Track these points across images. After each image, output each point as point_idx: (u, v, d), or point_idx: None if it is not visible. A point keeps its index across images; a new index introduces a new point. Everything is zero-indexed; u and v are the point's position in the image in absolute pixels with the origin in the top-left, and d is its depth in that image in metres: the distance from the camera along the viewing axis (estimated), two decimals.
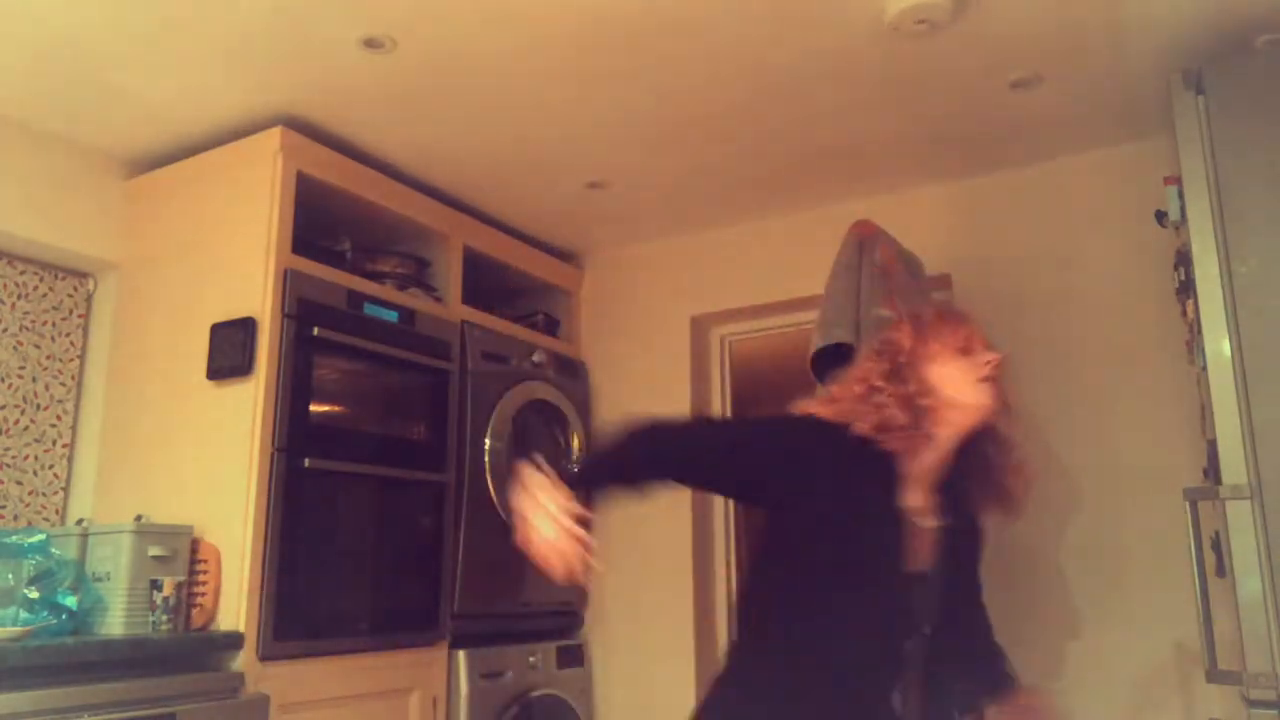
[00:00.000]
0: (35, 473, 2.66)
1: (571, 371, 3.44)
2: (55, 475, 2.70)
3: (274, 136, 2.54)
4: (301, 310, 2.48)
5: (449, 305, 3.00)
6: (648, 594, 3.29)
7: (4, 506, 2.57)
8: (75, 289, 2.82)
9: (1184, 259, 2.09)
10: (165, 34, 2.20)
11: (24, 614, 2.10)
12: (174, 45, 2.25)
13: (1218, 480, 1.82)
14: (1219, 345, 1.84)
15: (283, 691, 2.28)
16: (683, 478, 1.59)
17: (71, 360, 2.78)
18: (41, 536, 2.20)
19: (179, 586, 2.25)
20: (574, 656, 3.19)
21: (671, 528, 3.30)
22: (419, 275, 2.95)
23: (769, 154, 2.84)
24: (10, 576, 2.12)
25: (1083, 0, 2.09)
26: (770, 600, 1.56)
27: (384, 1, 2.08)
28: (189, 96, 2.49)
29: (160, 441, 2.55)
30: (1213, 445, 1.87)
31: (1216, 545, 2.03)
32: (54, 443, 2.71)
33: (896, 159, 2.88)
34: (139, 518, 2.35)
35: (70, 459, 2.74)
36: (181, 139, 2.71)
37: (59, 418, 2.73)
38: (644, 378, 3.47)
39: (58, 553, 2.22)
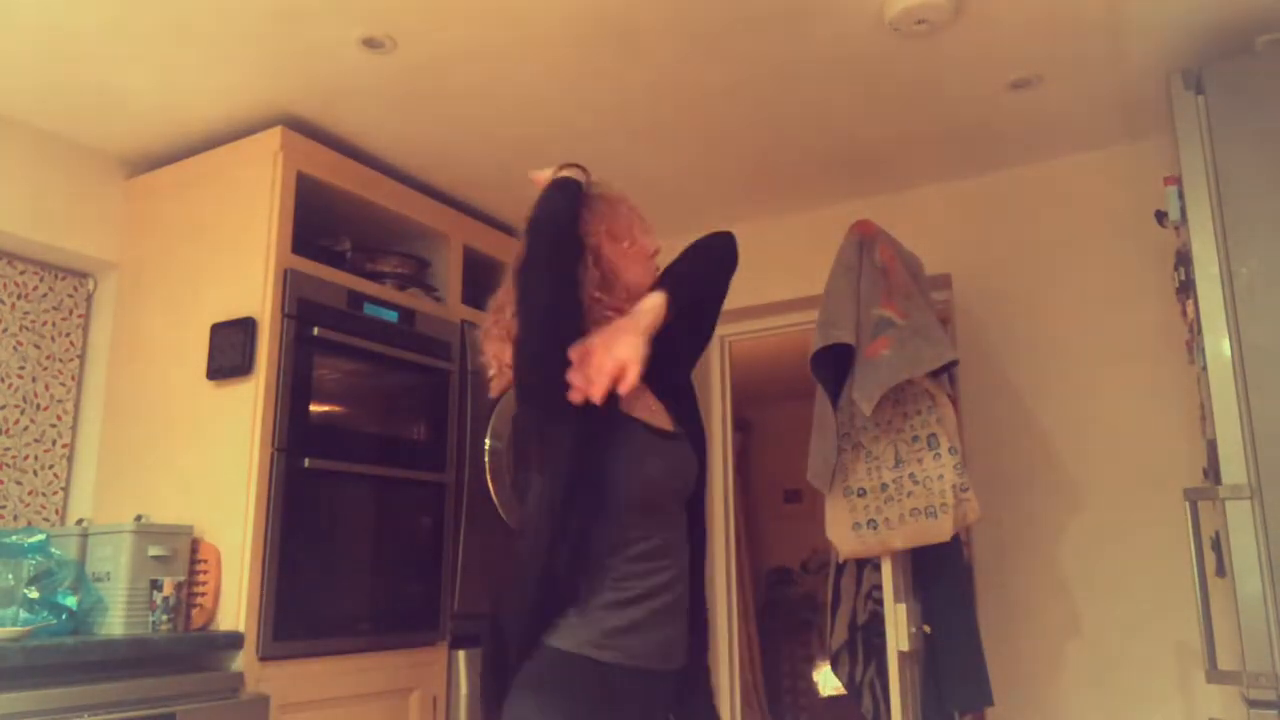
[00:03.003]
0: (35, 473, 2.66)
1: None
2: (55, 475, 2.70)
3: (274, 136, 2.54)
4: (301, 310, 2.48)
5: (449, 305, 3.00)
6: None
7: (4, 506, 2.57)
8: (75, 289, 2.82)
9: (1184, 259, 2.10)
10: (165, 34, 2.20)
11: (24, 614, 2.10)
12: (174, 45, 2.25)
13: (1218, 480, 1.82)
14: (1219, 345, 1.84)
15: (283, 691, 2.28)
16: None
17: (71, 360, 2.78)
18: (41, 536, 2.20)
19: (179, 586, 2.25)
20: None
21: None
22: (419, 275, 2.95)
23: (769, 154, 2.84)
24: (10, 576, 2.12)
25: (1083, 0, 2.09)
26: None
27: (384, 1, 2.08)
28: (189, 96, 2.49)
29: (160, 441, 2.55)
30: (1213, 445, 1.87)
31: (1216, 545, 2.03)
32: (54, 443, 2.71)
33: (896, 159, 2.88)
34: (139, 518, 2.35)
35: (70, 459, 2.74)
36: (181, 139, 2.71)
37: (59, 418, 2.73)
38: None
39: (58, 553, 2.22)
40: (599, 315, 1.61)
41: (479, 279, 3.32)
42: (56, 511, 2.68)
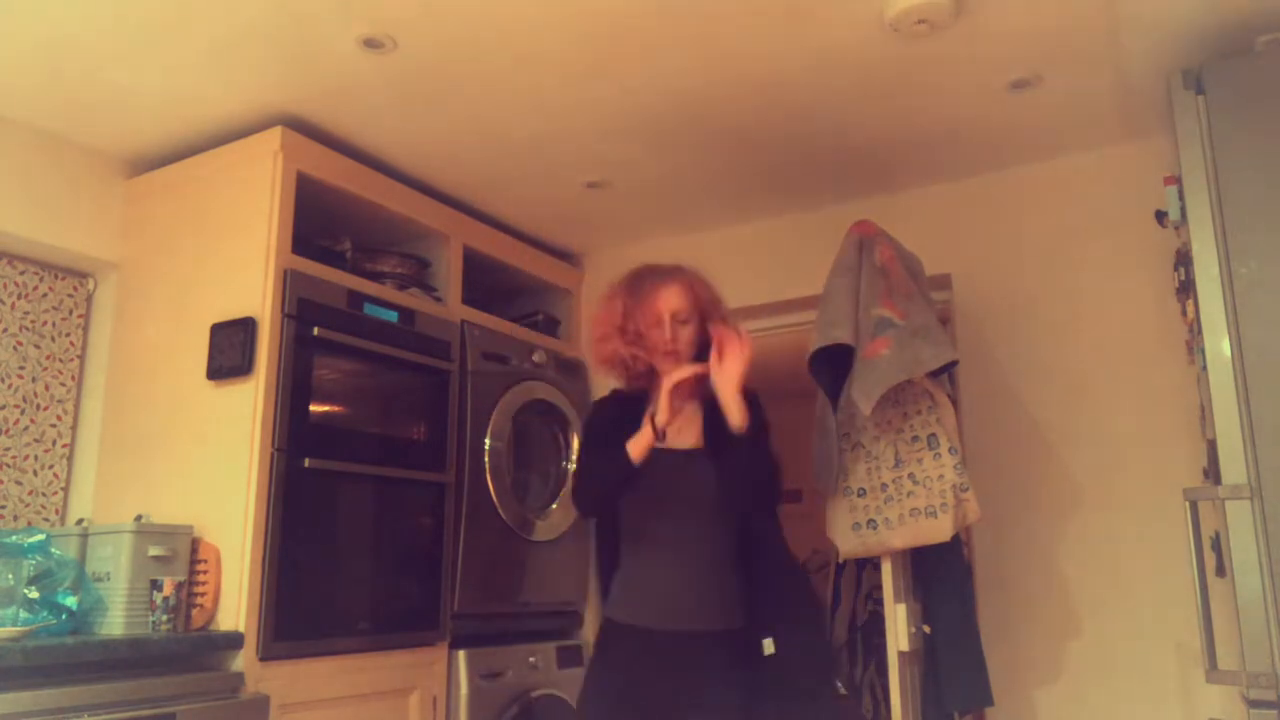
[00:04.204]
0: (35, 473, 2.66)
1: (571, 371, 3.44)
2: (55, 475, 2.70)
3: (274, 136, 2.54)
4: (301, 310, 2.48)
5: (449, 305, 3.00)
6: None
7: (4, 506, 2.57)
8: (75, 289, 2.82)
9: (1184, 259, 2.10)
10: (165, 34, 2.20)
11: (24, 614, 2.10)
12: (174, 45, 2.25)
13: (1218, 480, 1.82)
14: (1219, 345, 1.84)
15: (283, 691, 2.28)
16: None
17: (71, 360, 2.78)
18: (41, 536, 2.20)
19: (179, 586, 2.25)
20: (574, 656, 3.19)
21: None
22: (419, 275, 2.95)
23: (769, 154, 2.84)
24: (10, 576, 2.12)
25: (1083, 0, 2.09)
26: None
27: (384, 1, 2.08)
28: (189, 96, 2.49)
29: (160, 441, 2.55)
30: (1213, 445, 1.87)
31: (1216, 545, 2.03)
32: (54, 443, 2.71)
33: (896, 159, 2.88)
34: (139, 518, 2.35)
35: (70, 459, 2.74)
36: (181, 139, 2.71)
37: (59, 418, 2.73)
38: None
39: (58, 553, 2.22)
40: (633, 361, 2.11)
41: (479, 279, 3.33)
42: (56, 511, 2.68)
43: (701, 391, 2.05)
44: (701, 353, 2.05)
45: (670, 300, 2.05)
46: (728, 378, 1.92)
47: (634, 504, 2.05)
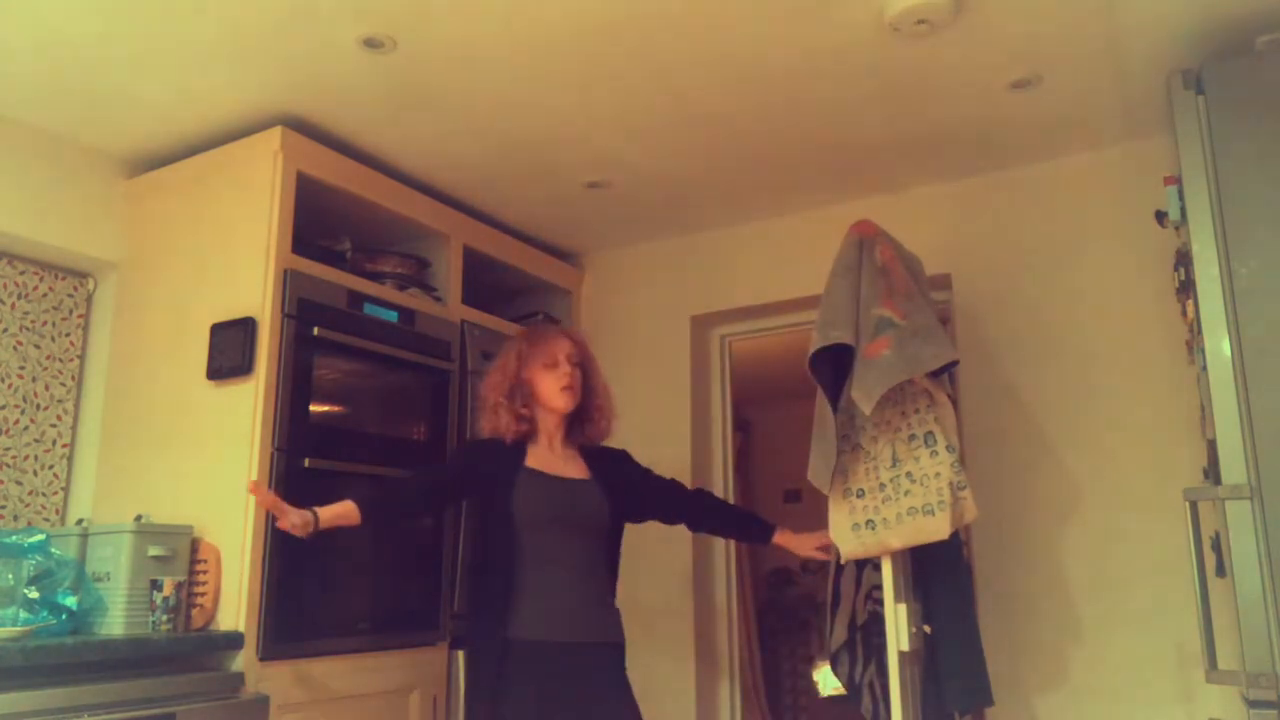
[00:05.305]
0: (35, 473, 2.66)
1: None
2: (55, 475, 2.70)
3: (274, 136, 2.54)
4: (301, 310, 2.48)
5: (449, 305, 3.00)
6: (649, 596, 3.29)
7: (4, 506, 2.57)
8: (75, 289, 2.82)
9: (1184, 259, 2.10)
10: (165, 34, 2.21)
11: (24, 614, 2.10)
12: (174, 45, 2.25)
13: (1218, 480, 1.82)
14: (1219, 345, 1.84)
15: (283, 691, 2.28)
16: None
17: (71, 360, 2.78)
18: (41, 536, 2.20)
19: (179, 586, 2.25)
20: None
21: (673, 534, 3.30)
22: (419, 275, 2.95)
23: (769, 154, 2.84)
24: (10, 576, 2.12)
25: (1082, 0, 2.09)
26: None
27: (384, 1, 2.08)
28: (189, 96, 2.49)
29: (160, 441, 2.55)
30: (1213, 445, 1.87)
31: (1216, 545, 2.03)
32: (54, 443, 2.71)
33: (896, 159, 2.88)
34: (139, 518, 2.35)
35: (70, 459, 2.74)
36: (181, 139, 2.71)
37: (59, 418, 2.73)
38: (644, 378, 3.47)
39: (58, 553, 2.22)
40: (520, 419, 2.33)
41: (479, 279, 3.33)
42: (56, 511, 2.68)
43: (575, 436, 2.41)
44: (582, 407, 2.38)
45: (565, 346, 2.36)
46: (808, 552, 2.50)
47: (539, 527, 2.24)
